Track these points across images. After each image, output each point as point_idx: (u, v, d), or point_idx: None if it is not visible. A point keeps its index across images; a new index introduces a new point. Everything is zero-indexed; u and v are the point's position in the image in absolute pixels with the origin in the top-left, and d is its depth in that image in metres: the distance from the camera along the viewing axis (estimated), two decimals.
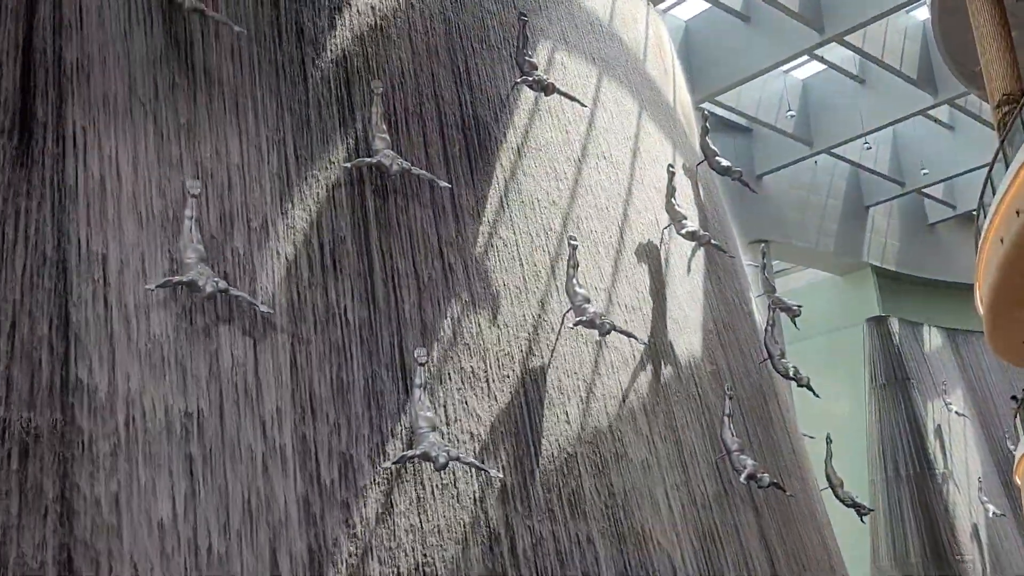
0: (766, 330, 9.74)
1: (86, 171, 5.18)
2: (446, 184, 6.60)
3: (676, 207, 9.04)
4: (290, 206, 5.88)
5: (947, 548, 19.13)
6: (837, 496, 9.89)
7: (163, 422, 4.87)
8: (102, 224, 5.10)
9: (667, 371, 8.11)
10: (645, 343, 7.82)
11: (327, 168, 6.16)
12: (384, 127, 6.42)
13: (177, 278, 5.07)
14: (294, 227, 5.85)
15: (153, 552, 4.59)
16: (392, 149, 6.35)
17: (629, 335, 7.31)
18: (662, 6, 14.18)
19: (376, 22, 6.91)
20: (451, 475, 5.81)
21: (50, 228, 4.95)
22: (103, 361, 4.81)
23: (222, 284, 5.16)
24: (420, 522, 5.54)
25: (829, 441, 10.22)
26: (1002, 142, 9.87)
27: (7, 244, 4.82)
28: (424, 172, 6.47)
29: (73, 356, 4.74)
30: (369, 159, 6.24)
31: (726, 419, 8.07)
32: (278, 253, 5.71)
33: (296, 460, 5.20)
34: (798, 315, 10.29)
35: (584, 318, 6.82)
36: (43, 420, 4.56)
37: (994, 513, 19.45)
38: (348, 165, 6.19)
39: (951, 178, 21.47)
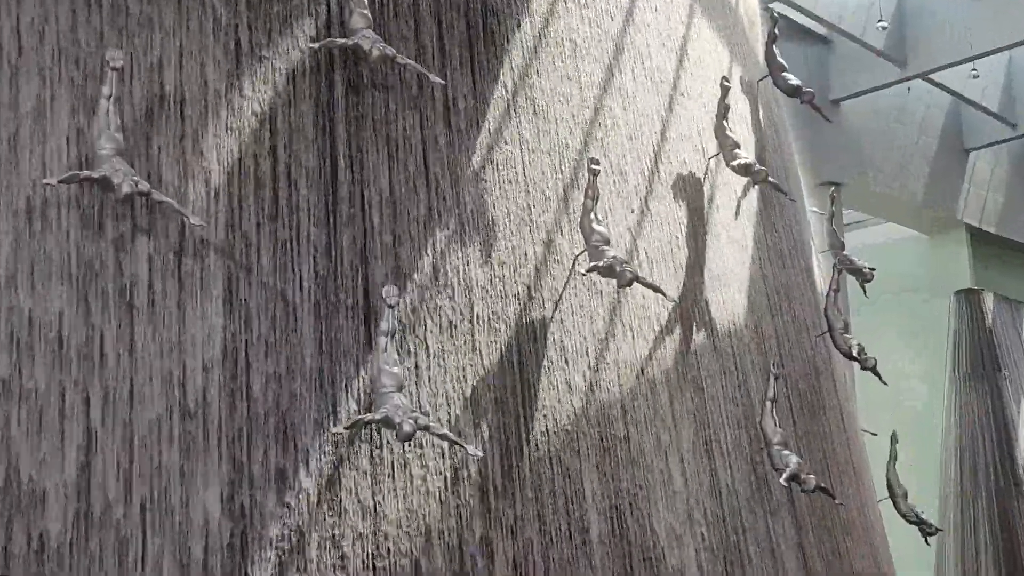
0: (828, 296, 9.73)
1: None
2: (439, 80, 6.52)
3: (728, 132, 8.95)
4: (237, 93, 5.79)
5: None
6: (899, 509, 9.96)
7: (55, 352, 4.85)
8: None
9: (699, 338, 8.10)
10: (675, 301, 7.79)
11: (289, 49, 6.08)
12: (366, 1, 6.34)
13: (86, 173, 5.01)
14: (240, 120, 5.78)
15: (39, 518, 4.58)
16: (374, 30, 6.26)
17: (655, 289, 7.27)
18: None
19: None
20: (417, 448, 5.80)
21: None
22: None
23: (143, 185, 5.09)
24: (373, 504, 5.53)
25: (895, 440, 10.26)
26: None
27: None
28: (412, 63, 6.38)
29: None
30: (343, 40, 6.14)
31: (768, 404, 8.06)
32: (218, 152, 5.63)
33: (221, 415, 5.19)
34: (870, 280, 10.28)
35: (600, 263, 6.77)
36: None
37: None
38: (316, 46, 6.11)
39: None
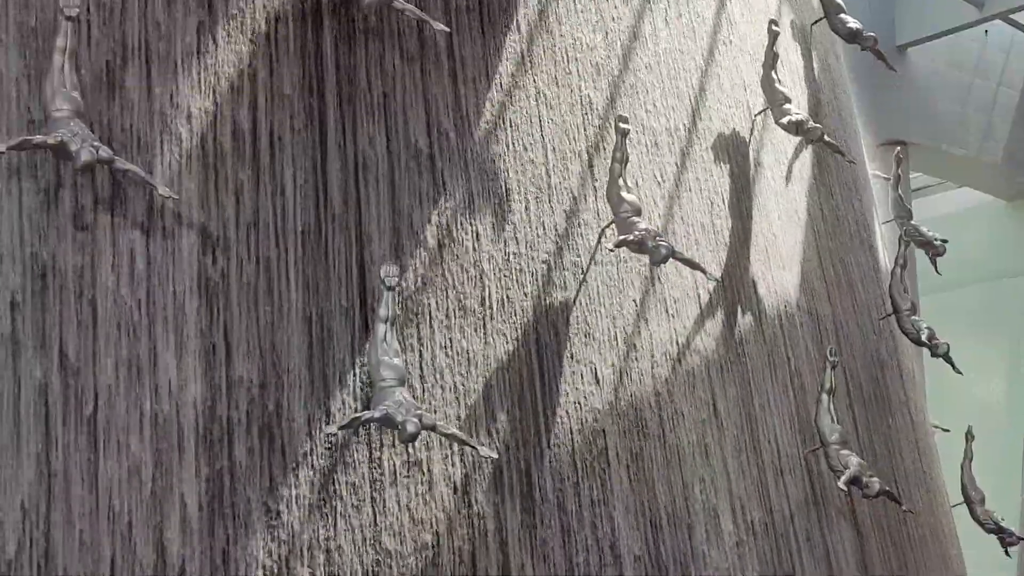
0: (894, 272, 9.74)
1: None
2: (443, 27, 6.52)
3: (777, 84, 8.96)
4: (212, 44, 5.79)
5: None
6: (974, 516, 9.97)
7: (8, 348, 4.86)
8: None
9: (745, 321, 8.10)
10: (717, 280, 7.79)
11: None
12: None
13: (39, 138, 4.99)
14: (217, 76, 5.77)
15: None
16: None
17: (694, 266, 7.27)
18: None
19: None
20: (422, 450, 5.81)
21: None
22: None
23: (104, 152, 5.08)
24: (373, 514, 5.54)
25: (970, 438, 10.26)
26: None
27: None
28: (411, 7, 6.37)
29: None
30: None
31: (825, 397, 8.08)
32: (190, 114, 5.62)
33: (200, 416, 5.19)
34: (941, 253, 10.30)
35: (630, 237, 6.77)
36: None
37: None
38: None
39: None
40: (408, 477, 5.74)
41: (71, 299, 5.09)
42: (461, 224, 6.45)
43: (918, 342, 9.67)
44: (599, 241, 7.08)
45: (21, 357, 4.91)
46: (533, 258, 6.73)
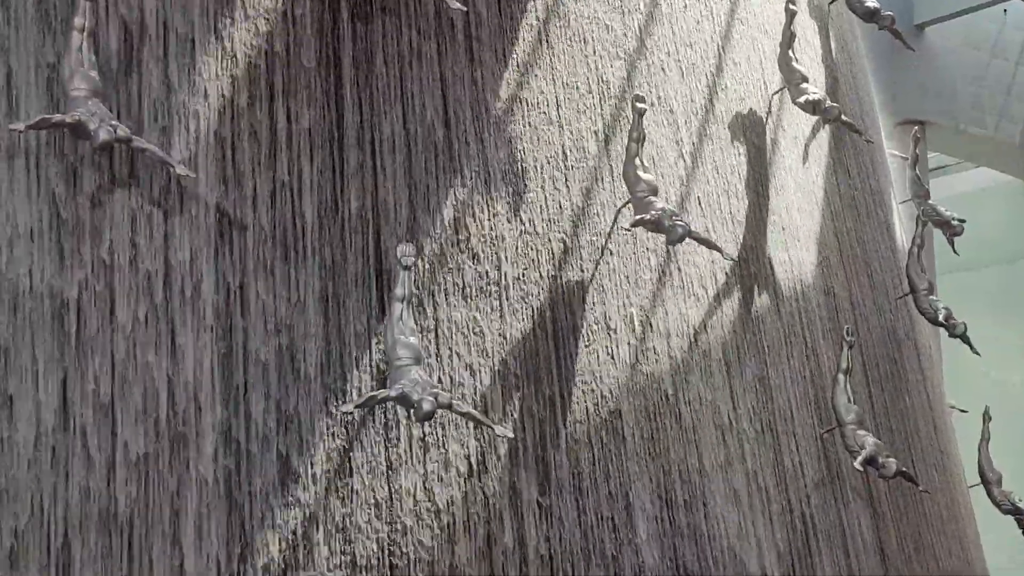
0: (911, 252, 9.69)
1: None
2: (460, 6, 6.50)
3: (794, 63, 8.93)
4: (228, 21, 5.79)
5: None
6: (991, 497, 9.93)
7: (28, 320, 4.88)
8: None
9: (761, 301, 8.08)
10: (733, 259, 7.77)
11: None
12: None
13: (58, 117, 5.00)
14: (232, 54, 5.77)
15: None
16: None
17: (711, 245, 7.26)
18: None
19: None
20: (438, 429, 5.82)
21: None
22: None
23: (123, 131, 5.08)
24: (389, 493, 5.56)
25: (987, 419, 10.22)
26: None
27: None
28: None
29: None
30: None
31: (841, 377, 8.04)
32: (207, 92, 5.63)
33: (215, 393, 5.21)
34: (959, 233, 10.23)
35: (647, 217, 6.76)
36: None
37: None
38: None
39: None
40: (424, 455, 5.75)
41: (89, 273, 5.10)
42: (477, 203, 6.44)
43: (935, 322, 9.62)
44: (615, 220, 7.06)
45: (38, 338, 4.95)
46: (550, 237, 6.72)
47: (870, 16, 10.07)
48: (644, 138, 7.10)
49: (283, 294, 5.56)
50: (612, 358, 6.78)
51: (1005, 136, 20.52)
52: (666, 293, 7.31)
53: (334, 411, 5.51)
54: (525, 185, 6.70)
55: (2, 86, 5.19)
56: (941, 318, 9.53)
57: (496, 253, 6.42)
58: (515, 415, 6.19)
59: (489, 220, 6.45)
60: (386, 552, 5.47)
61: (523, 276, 6.50)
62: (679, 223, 6.84)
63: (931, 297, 9.60)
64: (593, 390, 6.61)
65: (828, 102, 9.01)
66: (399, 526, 5.54)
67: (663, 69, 7.92)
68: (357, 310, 5.76)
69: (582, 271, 6.83)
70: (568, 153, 7.01)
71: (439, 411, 5.43)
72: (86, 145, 5.12)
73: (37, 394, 4.89)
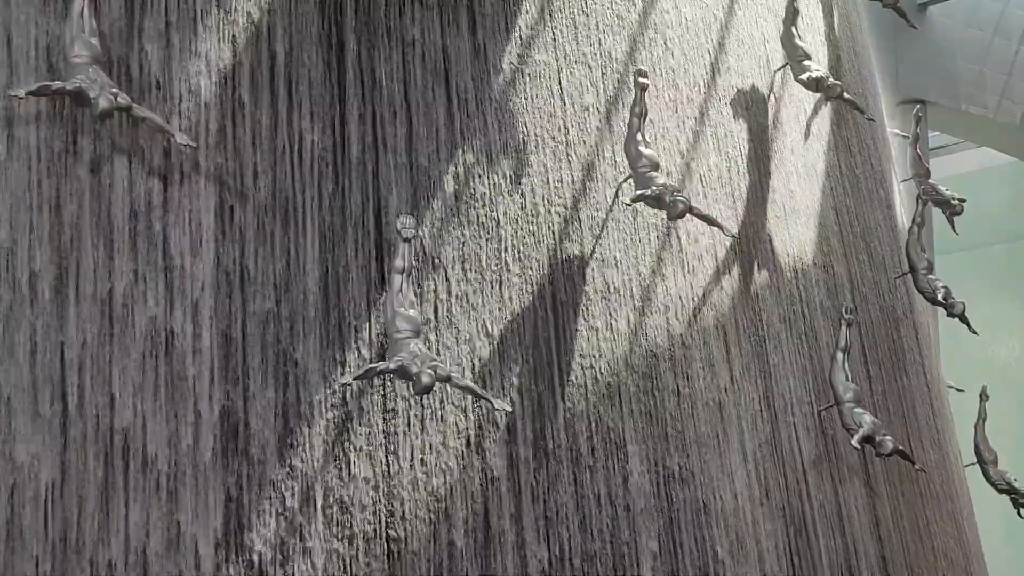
0: (911, 231, 9.66)
1: None
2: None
3: (797, 40, 8.88)
4: None
5: None
6: (987, 476, 9.94)
7: (24, 288, 4.87)
8: None
9: (760, 277, 8.06)
10: (733, 235, 7.75)
11: None
12: None
13: (58, 84, 4.99)
14: (235, 24, 5.76)
15: None
16: None
17: (711, 222, 7.24)
18: None
19: None
20: (436, 402, 5.81)
21: None
22: None
23: (123, 99, 5.08)
24: (387, 466, 5.56)
25: (984, 398, 10.23)
26: None
27: None
28: None
29: None
30: None
31: (840, 355, 8.03)
32: (208, 60, 5.62)
33: (214, 362, 5.22)
34: (959, 213, 10.21)
35: (648, 192, 6.75)
36: None
37: None
38: None
39: None
40: (422, 428, 5.75)
41: (86, 239, 5.10)
42: (478, 176, 6.42)
43: (934, 301, 9.60)
44: (616, 195, 7.04)
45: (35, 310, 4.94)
46: (550, 211, 6.70)
47: None
48: (646, 113, 7.08)
49: (283, 265, 5.55)
50: (612, 332, 6.77)
51: (1004, 117, 20.49)
52: (666, 268, 7.29)
53: (333, 383, 5.51)
54: (526, 158, 6.68)
55: (3, 55, 5.16)
56: (940, 297, 9.51)
57: (496, 226, 6.41)
58: (514, 389, 6.19)
59: (490, 193, 6.44)
60: (383, 524, 5.48)
61: (523, 250, 6.48)
62: (680, 199, 6.83)
63: (930, 276, 9.57)
64: (592, 365, 6.61)
65: (830, 79, 8.97)
66: (397, 499, 5.55)
67: (666, 44, 7.89)
68: (357, 282, 5.75)
69: (582, 246, 6.82)
70: (570, 127, 6.99)
71: (438, 384, 5.44)
72: (86, 112, 5.10)
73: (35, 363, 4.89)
